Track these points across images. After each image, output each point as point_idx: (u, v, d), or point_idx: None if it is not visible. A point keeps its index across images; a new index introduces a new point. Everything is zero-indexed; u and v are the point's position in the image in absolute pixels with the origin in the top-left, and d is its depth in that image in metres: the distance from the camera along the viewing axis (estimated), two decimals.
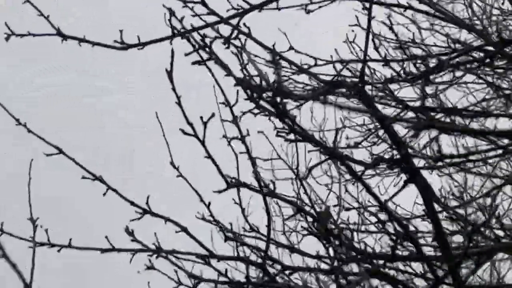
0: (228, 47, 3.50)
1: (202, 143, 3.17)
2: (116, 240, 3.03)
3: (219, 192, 3.38)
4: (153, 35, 4.08)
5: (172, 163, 3.32)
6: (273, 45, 3.52)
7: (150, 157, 11.22)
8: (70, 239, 2.94)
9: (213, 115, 3.26)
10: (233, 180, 3.35)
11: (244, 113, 3.96)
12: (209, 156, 3.20)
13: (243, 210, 3.17)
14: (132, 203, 2.96)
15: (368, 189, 3.39)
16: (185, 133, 3.21)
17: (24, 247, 3.10)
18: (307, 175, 4.81)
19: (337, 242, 3.52)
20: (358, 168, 4.93)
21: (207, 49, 3.27)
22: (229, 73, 3.08)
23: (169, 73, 3.08)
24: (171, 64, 3.11)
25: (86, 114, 11.17)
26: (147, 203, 2.98)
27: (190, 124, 3.15)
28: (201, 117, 3.21)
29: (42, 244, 2.96)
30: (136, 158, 11.56)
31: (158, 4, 3.85)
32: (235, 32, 3.52)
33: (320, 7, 4.54)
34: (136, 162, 11.49)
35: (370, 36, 4.79)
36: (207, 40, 3.34)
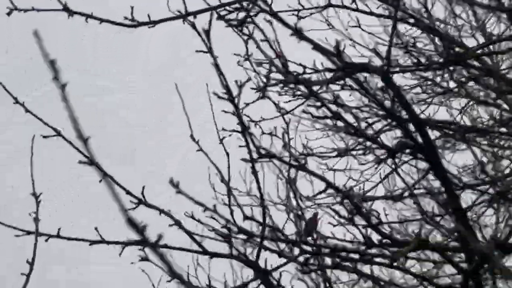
0: (242, 27, 3.41)
1: (236, 107, 3.14)
2: (107, 231, 2.99)
3: (248, 161, 3.35)
4: (155, 33, 4.04)
5: (192, 136, 3.25)
6: (295, 24, 3.44)
7: (152, 156, 11.20)
8: (59, 229, 2.89)
9: (248, 79, 3.24)
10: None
11: (247, 105, 3.92)
12: (241, 123, 3.18)
13: (231, 211, 3.13)
14: (128, 192, 2.91)
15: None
16: (220, 97, 3.18)
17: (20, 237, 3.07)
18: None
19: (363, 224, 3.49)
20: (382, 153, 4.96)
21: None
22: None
23: (207, 32, 3.04)
24: (209, 23, 3.07)
25: (87, 113, 11.14)
26: (142, 193, 2.94)
27: (226, 87, 3.10)
28: (236, 81, 3.18)
29: (29, 233, 2.92)
30: (138, 157, 11.54)
31: (159, 3, 3.80)
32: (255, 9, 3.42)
33: (311, 13, 4.52)
34: (137, 161, 11.48)
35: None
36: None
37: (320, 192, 4.54)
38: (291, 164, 3.67)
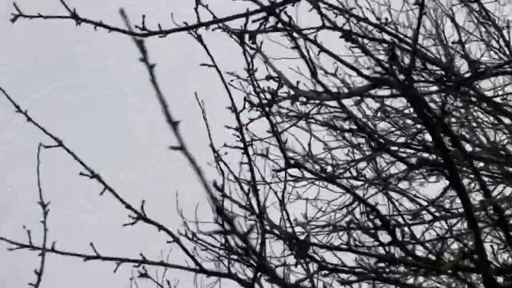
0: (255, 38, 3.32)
1: (268, 116, 3.13)
2: (103, 247, 2.91)
3: (279, 171, 3.35)
4: (168, 36, 3.95)
5: (211, 146, 3.21)
6: (315, 36, 3.37)
7: (178, 156, 11.17)
8: (54, 243, 2.81)
9: (280, 86, 3.23)
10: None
11: (251, 120, 3.84)
12: (274, 133, 3.18)
13: (225, 232, 3.04)
14: (128, 206, 2.81)
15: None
16: (254, 105, 3.19)
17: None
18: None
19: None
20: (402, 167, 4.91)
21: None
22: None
23: (240, 36, 3.01)
24: (245, 26, 3.05)
25: (104, 118, 11.13)
26: (142, 208, 2.84)
27: (258, 92, 3.05)
28: (268, 87, 3.17)
29: (23, 246, 2.85)
30: (167, 157, 11.51)
31: (158, 3, 3.72)
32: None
33: (305, 35, 4.45)
34: (166, 161, 11.52)
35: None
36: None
37: (347, 205, 4.48)
38: (321, 175, 3.60)
